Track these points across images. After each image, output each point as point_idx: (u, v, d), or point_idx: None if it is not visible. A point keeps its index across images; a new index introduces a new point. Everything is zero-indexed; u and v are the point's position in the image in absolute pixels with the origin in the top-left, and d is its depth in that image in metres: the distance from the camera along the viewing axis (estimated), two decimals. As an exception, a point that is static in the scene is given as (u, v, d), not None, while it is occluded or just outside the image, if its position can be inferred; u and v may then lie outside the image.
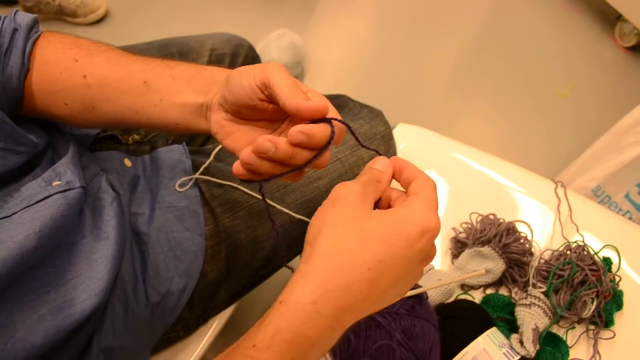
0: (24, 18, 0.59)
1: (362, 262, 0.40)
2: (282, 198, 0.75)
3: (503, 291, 0.84)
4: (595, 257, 0.81)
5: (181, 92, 0.56)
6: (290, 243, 0.78)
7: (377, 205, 0.48)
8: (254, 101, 0.50)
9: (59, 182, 0.54)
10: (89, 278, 0.56)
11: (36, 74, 0.58)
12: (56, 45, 0.59)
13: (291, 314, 0.39)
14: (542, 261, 0.83)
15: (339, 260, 0.40)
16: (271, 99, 0.50)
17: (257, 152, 0.46)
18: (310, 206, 0.77)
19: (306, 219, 0.76)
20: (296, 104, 0.46)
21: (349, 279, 0.40)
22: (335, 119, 0.47)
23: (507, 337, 0.75)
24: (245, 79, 0.50)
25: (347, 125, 0.49)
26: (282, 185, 0.75)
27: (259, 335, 0.40)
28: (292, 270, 0.82)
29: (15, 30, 0.57)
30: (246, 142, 0.51)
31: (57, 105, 0.59)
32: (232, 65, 0.94)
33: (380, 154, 0.50)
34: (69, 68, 0.57)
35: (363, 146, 0.53)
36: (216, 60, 0.91)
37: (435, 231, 0.42)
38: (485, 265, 0.82)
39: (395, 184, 0.49)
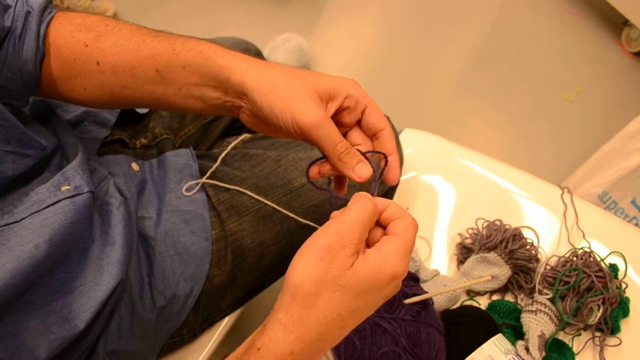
0: None
1: (337, 316, 0.42)
2: (288, 203, 0.75)
3: (509, 297, 0.84)
4: (602, 263, 0.81)
5: (196, 85, 0.54)
6: (295, 248, 0.77)
7: None
8: (290, 136, 0.52)
9: (67, 187, 0.54)
10: (95, 284, 0.56)
11: (54, 60, 0.58)
12: (66, 28, 0.58)
13: None
14: (548, 267, 0.83)
15: (317, 316, 0.41)
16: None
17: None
18: (317, 211, 0.77)
19: (313, 224, 0.76)
20: (343, 172, 0.50)
21: (324, 331, 0.42)
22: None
23: (513, 343, 0.75)
24: (282, 120, 0.49)
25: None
26: (289, 191, 0.75)
27: None
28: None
29: (28, 12, 0.57)
30: None
31: (77, 90, 0.59)
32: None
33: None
34: (82, 54, 0.57)
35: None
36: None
37: (403, 276, 0.44)
38: (491, 271, 0.82)
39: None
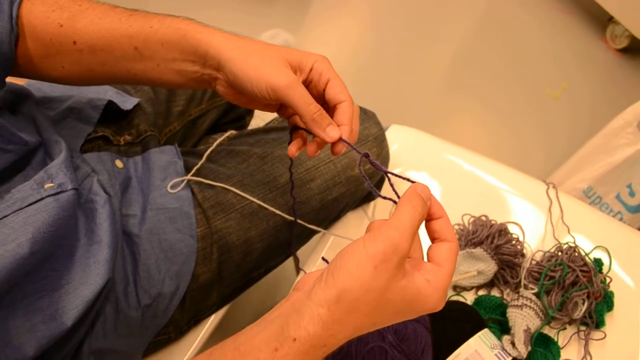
0: None
1: (372, 324, 0.42)
2: (274, 199, 0.75)
3: (495, 292, 0.85)
4: (586, 258, 0.81)
5: (175, 60, 0.57)
6: (281, 245, 0.78)
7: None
8: (264, 101, 0.55)
9: (51, 185, 0.54)
10: (82, 283, 0.55)
11: (29, 40, 0.58)
12: (39, 8, 0.58)
13: (305, 354, 0.40)
14: (533, 262, 0.83)
15: (356, 321, 0.41)
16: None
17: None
18: (303, 208, 0.77)
19: (299, 221, 0.76)
20: (315, 132, 0.54)
21: (354, 333, 0.42)
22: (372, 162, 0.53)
23: (499, 338, 0.75)
24: (256, 86, 0.53)
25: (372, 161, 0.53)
26: (275, 187, 0.75)
27: None
28: (298, 260, 0.83)
29: None
30: None
31: (55, 69, 0.60)
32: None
33: (412, 182, 0.48)
34: (58, 34, 0.58)
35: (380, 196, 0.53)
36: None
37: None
38: (477, 266, 0.82)
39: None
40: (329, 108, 0.56)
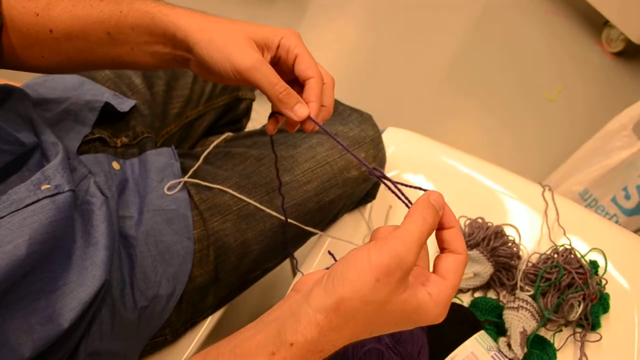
0: None
1: (369, 333, 0.42)
2: (271, 201, 0.75)
3: (491, 294, 0.85)
4: (582, 260, 0.82)
5: (147, 43, 0.58)
6: (278, 246, 0.78)
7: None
8: (235, 82, 0.55)
9: (48, 186, 0.53)
10: (79, 285, 0.55)
11: (10, 30, 0.59)
12: None
13: (301, 359, 0.40)
14: (529, 264, 0.83)
15: (353, 330, 0.41)
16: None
17: None
18: (300, 210, 0.77)
19: (295, 223, 0.76)
20: (284, 112, 0.54)
21: (352, 339, 0.42)
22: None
23: (495, 340, 0.75)
24: (221, 68, 0.53)
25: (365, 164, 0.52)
26: (271, 189, 0.75)
27: None
28: (296, 260, 0.82)
29: None
30: None
31: (35, 58, 0.61)
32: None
33: (423, 190, 0.46)
34: (35, 23, 0.58)
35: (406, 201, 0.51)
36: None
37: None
38: (473, 268, 0.82)
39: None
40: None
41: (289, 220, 0.75)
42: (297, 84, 0.57)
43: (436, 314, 0.42)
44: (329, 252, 0.80)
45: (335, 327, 0.40)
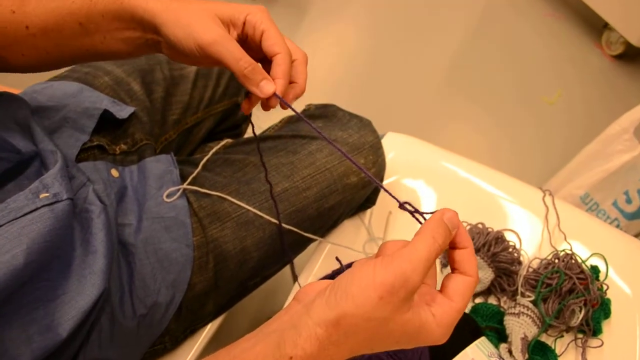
0: None
1: (370, 349, 0.41)
2: (270, 208, 0.75)
3: (492, 300, 0.84)
4: (583, 265, 0.81)
5: (118, 29, 0.58)
6: (277, 253, 0.77)
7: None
8: (201, 62, 0.55)
9: (46, 194, 0.53)
10: (78, 294, 0.55)
11: None
12: None
13: None
14: (530, 270, 0.83)
15: (353, 345, 0.40)
16: None
17: None
18: (299, 216, 0.77)
19: (295, 230, 0.76)
20: (249, 88, 0.53)
21: (353, 354, 0.41)
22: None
23: (496, 346, 0.75)
24: (186, 46, 0.53)
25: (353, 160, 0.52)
26: (271, 196, 0.75)
27: None
28: (293, 264, 0.82)
29: None
30: None
31: (15, 57, 0.61)
32: (221, 73, 0.93)
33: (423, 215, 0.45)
34: (11, 21, 0.59)
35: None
36: (205, 69, 0.91)
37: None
38: (474, 274, 0.82)
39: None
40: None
41: (285, 225, 0.75)
42: (267, 62, 0.56)
43: (439, 335, 0.41)
44: (337, 258, 0.80)
45: (335, 341, 0.39)
